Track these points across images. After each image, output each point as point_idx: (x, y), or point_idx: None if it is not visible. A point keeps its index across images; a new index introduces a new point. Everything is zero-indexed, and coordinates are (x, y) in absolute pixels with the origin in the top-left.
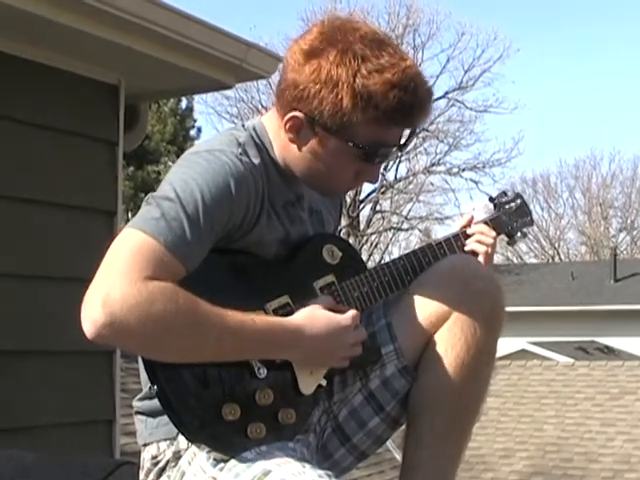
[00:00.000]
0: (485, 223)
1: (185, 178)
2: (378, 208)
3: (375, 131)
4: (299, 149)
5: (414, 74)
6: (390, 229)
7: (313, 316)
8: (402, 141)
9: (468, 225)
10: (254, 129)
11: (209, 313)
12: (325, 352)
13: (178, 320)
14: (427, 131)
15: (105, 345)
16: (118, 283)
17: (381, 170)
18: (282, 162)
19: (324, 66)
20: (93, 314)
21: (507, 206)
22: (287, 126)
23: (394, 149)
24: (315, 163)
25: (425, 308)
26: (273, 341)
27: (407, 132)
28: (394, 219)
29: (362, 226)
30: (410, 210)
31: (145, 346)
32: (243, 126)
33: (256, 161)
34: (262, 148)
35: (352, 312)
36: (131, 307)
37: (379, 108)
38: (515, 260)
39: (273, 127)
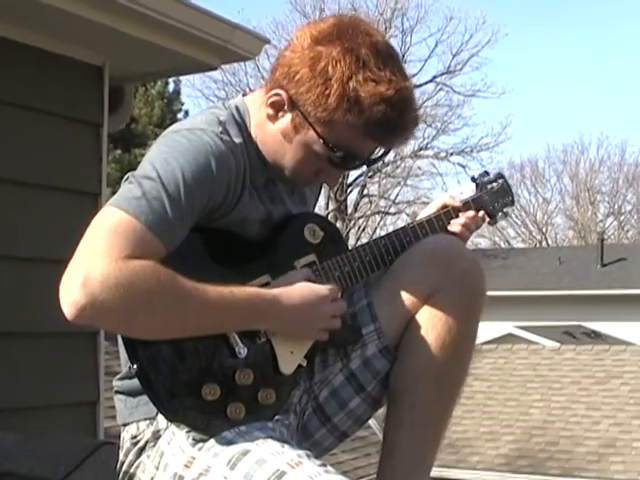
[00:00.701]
0: (466, 203)
1: (166, 157)
2: (366, 192)
3: (350, 138)
4: (272, 127)
5: (407, 97)
6: (378, 213)
7: (291, 285)
8: (372, 157)
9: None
10: (236, 108)
11: (189, 288)
12: (303, 322)
13: (159, 297)
14: None
15: (86, 325)
16: (98, 263)
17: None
18: (255, 140)
19: (324, 57)
20: (73, 295)
21: (489, 186)
22: (269, 101)
23: (362, 162)
24: (282, 147)
25: (407, 288)
26: (252, 311)
27: (379, 150)
28: (382, 203)
29: (350, 210)
30: (398, 194)
31: (127, 325)
32: (224, 105)
33: (237, 140)
34: (243, 127)
35: (330, 285)
36: (111, 287)
37: (361, 117)
38: (502, 244)
39: (255, 105)
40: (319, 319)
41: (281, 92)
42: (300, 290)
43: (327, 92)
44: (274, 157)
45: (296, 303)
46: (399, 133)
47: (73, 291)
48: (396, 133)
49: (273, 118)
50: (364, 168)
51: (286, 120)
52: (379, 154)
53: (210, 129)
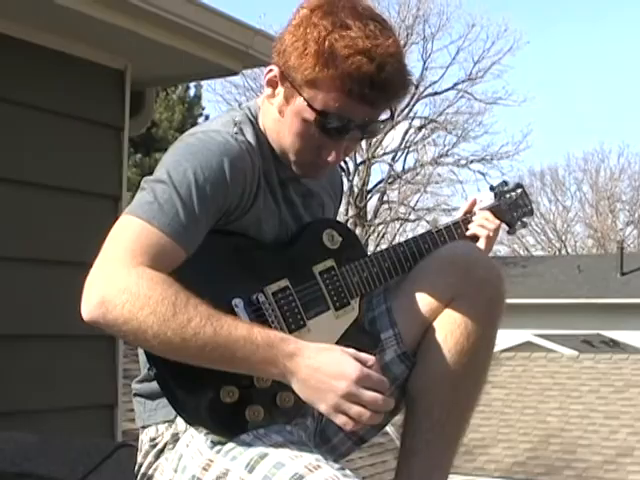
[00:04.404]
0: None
1: (179, 159)
2: (385, 199)
3: (333, 97)
4: (272, 108)
5: (389, 53)
6: (397, 220)
7: (326, 350)
8: (366, 124)
9: (471, 209)
10: (249, 108)
11: (201, 311)
12: (315, 388)
13: (163, 310)
14: (435, 122)
15: (99, 327)
16: (113, 269)
17: (348, 152)
18: (265, 133)
19: (304, 23)
20: (88, 297)
21: (507, 195)
22: (265, 80)
23: (352, 125)
24: (280, 125)
25: (426, 294)
26: (264, 357)
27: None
28: (401, 210)
29: (369, 216)
30: (417, 201)
31: (131, 332)
32: (240, 106)
33: (252, 139)
34: (256, 125)
35: (372, 373)
36: (120, 291)
37: (338, 70)
38: (522, 252)
39: (264, 101)
40: (333, 394)
41: (274, 67)
42: (330, 357)
43: (306, 52)
44: (279, 142)
45: (316, 365)
46: (381, 90)
47: (91, 296)
48: (377, 89)
49: (271, 97)
50: (360, 137)
51: (280, 95)
52: (374, 120)
53: (225, 130)
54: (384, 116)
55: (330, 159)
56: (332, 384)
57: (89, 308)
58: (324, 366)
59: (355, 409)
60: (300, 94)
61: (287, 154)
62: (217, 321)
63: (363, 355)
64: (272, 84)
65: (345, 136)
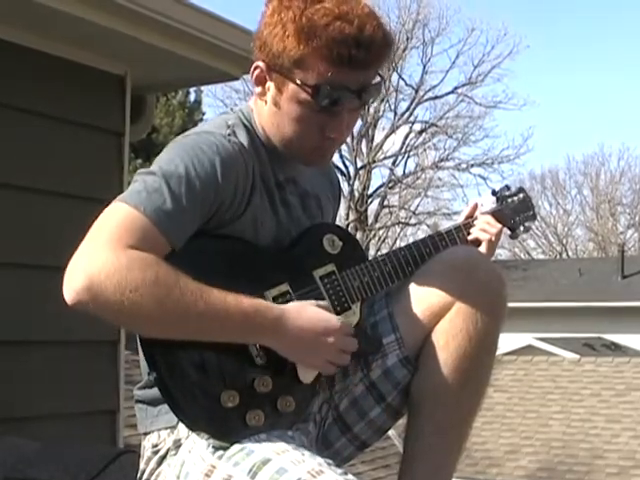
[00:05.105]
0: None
1: (171, 156)
2: (386, 203)
3: (324, 70)
4: (266, 104)
5: (365, 13)
6: (398, 224)
7: (303, 307)
8: (362, 89)
9: (472, 213)
10: (241, 111)
11: (191, 288)
12: (307, 347)
13: (156, 290)
14: (436, 126)
15: (84, 311)
16: (98, 251)
17: (350, 126)
18: (262, 132)
19: (277, 10)
20: (73, 280)
21: (510, 200)
22: (253, 78)
23: (349, 93)
24: (278, 117)
25: (427, 298)
26: (256, 321)
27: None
28: (402, 214)
29: (370, 221)
30: (418, 205)
31: (123, 314)
32: (232, 110)
33: (245, 142)
34: (250, 128)
35: (345, 321)
36: (109, 273)
37: (322, 39)
38: (522, 256)
39: (256, 102)
40: (325, 348)
41: (257, 63)
42: (311, 314)
43: (286, 34)
44: (281, 135)
45: (303, 325)
46: (367, 49)
47: (74, 277)
48: (363, 49)
49: (263, 95)
50: (357, 106)
51: (272, 88)
52: (367, 84)
53: (218, 132)
54: (375, 81)
55: (334, 135)
56: (322, 340)
57: (76, 291)
58: (310, 325)
59: (342, 357)
60: (291, 79)
61: (291, 144)
62: (208, 296)
63: (322, 302)
64: (260, 80)
65: (343, 106)
